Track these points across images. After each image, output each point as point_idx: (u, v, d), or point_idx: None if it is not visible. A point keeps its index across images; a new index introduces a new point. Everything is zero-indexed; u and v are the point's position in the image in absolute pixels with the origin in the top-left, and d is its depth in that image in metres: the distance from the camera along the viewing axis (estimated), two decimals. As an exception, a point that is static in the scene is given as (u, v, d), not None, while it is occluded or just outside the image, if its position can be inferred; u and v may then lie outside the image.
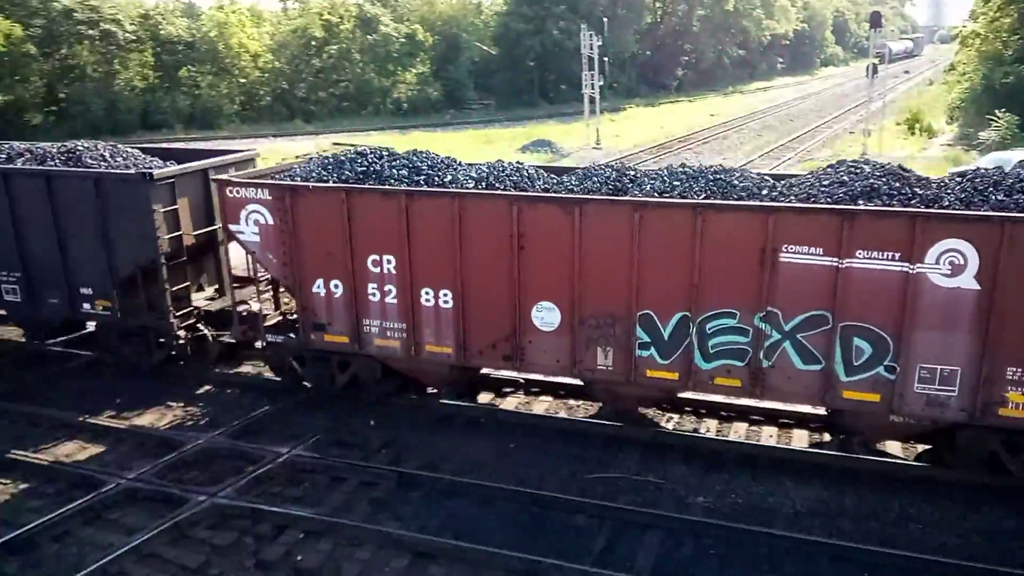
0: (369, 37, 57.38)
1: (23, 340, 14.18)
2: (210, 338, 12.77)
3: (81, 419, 11.20)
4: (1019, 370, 8.55)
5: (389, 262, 10.57)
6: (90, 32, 47.53)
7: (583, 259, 9.68)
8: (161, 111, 49.80)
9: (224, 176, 11.43)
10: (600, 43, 39.80)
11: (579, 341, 10.02)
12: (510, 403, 11.72)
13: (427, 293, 10.56)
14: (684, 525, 8.64)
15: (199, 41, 53.18)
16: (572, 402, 11.63)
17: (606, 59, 42.64)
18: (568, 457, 10.20)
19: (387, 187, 10.53)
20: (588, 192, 10.10)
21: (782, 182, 10.16)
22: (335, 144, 38.73)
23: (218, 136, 45.29)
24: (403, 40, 57.99)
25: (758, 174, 10.56)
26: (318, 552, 8.32)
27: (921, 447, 10.21)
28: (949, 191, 9.11)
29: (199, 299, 12.79)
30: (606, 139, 40.23)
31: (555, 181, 10.72)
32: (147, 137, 42.75)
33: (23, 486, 9.64)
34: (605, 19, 50.26)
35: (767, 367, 9.34)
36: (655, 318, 9.63)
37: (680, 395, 10.78)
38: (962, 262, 8.40)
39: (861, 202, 8.93)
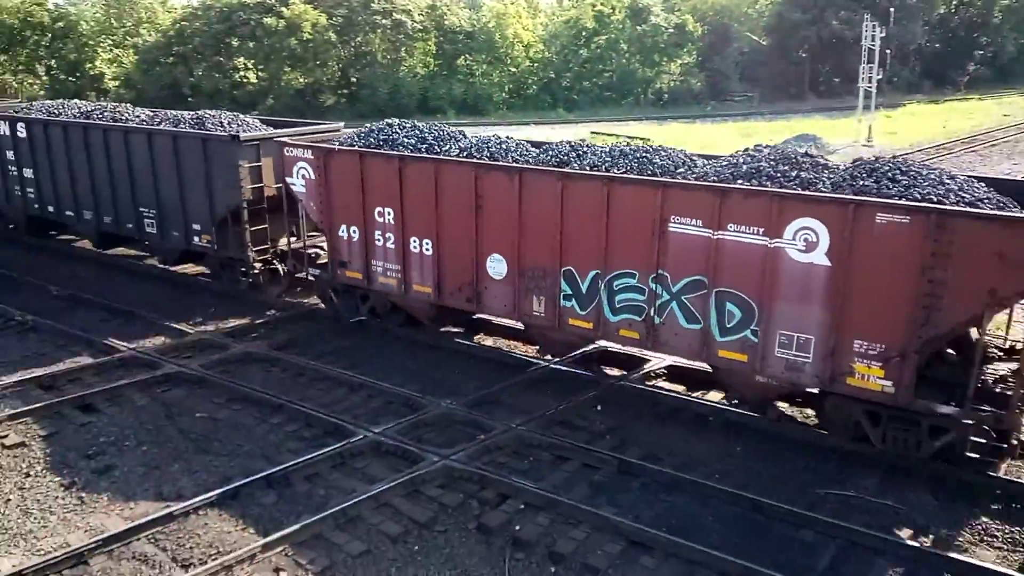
0: (638, 28, 57.41)
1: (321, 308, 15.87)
2: (281, 271, 15.83)
3: (340, 372, 12.34)
4: (865, 343, 9.16)
5: (389, 214, 12.83)
6: (383, 21, 51.74)
7: (522, 220, 11.39)
8: (437, 97, 53.13)
9: (283, 138, 14.23)
10: (883, 34, 36.98)
11: (520, 290, 11.76)
12: (712, 396, 11.32)
13: (415, 241, 12.71)
14: (920, 556, 7.91)
15: (478, 31, 56.06)
16: (805, 411, 11.01)
17: (888, 51, 39.51)
18: (799, 468, 9.70)
19: (388, 152, 12.72)
20: (540, 164, 11.61)
21: (710, 162, 11.13)
22: (592, 133, 39.31)
23: (485, 122, 47.57)
24: (672, 30, 57.38)
25: (690, 154, 11.55)
26: (536, 525, 8.56)
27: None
28: (831, 175, 9.81)
29: (283, 242, 15.42)
30: (879, 136, 37.38)
31: (528, 153, 12.19)
32: (423, 121, 45.73)
33: (287, 428, 10.81)
34: (892, 9, 46.51)
35: (659, 323, 10.61)
36: (575, 274, 11.18)
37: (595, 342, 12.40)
38: (815, 239, 9.23)
39: (740, 181, 9.86)
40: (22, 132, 18.67)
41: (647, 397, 11.49)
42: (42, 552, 8.05)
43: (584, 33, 58.70)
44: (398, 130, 13.43)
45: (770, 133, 38.89)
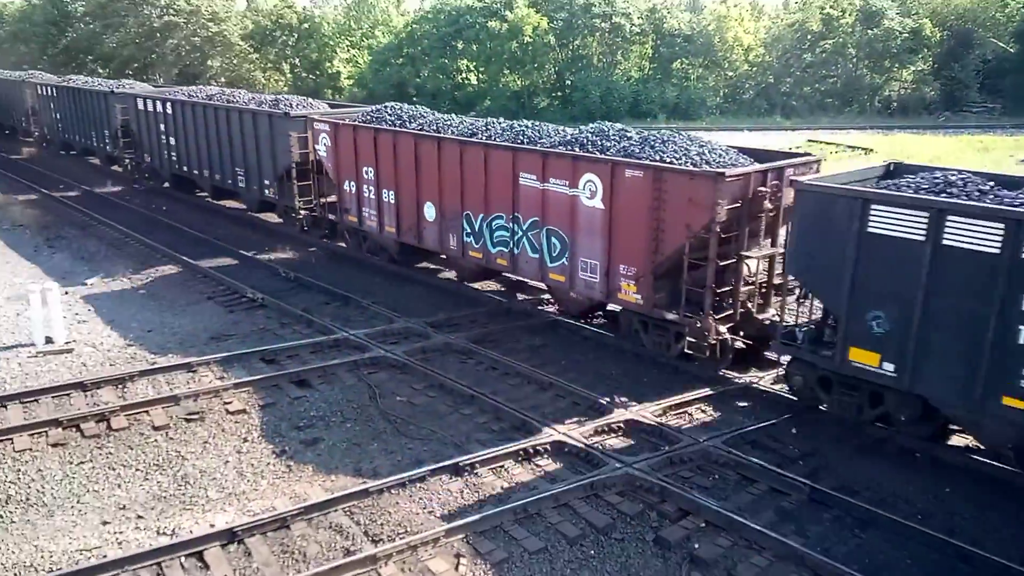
0: (869, 32, 53.94)
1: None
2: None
3: (531, 369, 12.60)
4: (625, 266, 12.76)
5: (370, 172, 17.31)
6: (602, 25, 52.03)
7: (441, 176, 15.60)
8: (649, 101, 52.69)
9: (311, 115, 19.22)
10: None
11: (444, 229, 15.94)
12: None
13: (385, 192, 17.06)
14: None
15: (697, 35, 55.01)
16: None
17: None
18: (1016, 519, 8.77)
19: (369, 125, 17.18)
20: (459, 135, 15.64)
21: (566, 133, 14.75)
22: (809, 141, 37.43)
23: (695, 127, 46.62)
24: (906, 35, 53.35)
25: (558, 128, 15.38)
26: (715, 546, 8.34)
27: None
28: (625, 143, 13.28)
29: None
30: None
31: (459, 128, 16.29)
32: (632, 125, 45.56)
33: (478, 419, 11.20)
34: None
35: (517, 253, 14.57)
36: (471, 217, 15.25)
37: (486, 268, 15.83)
38: (596, 189, 12.86)
39: (562, 147, 13.74)
40: (170, 110, 24.94)
41: (848, 426, 10.82)
42: (251, 513, 8.88)
43: (809, 36, 55.96)
44: (387, 112, 17.78)
45: (1011, 149, 35.29)
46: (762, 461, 9.87)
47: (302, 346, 13.64)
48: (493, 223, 14.78)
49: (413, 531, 8.46)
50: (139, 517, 8.85)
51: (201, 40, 58.99)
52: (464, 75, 55.02)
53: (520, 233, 14.27)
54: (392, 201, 16.88)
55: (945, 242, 8.92)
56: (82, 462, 9.93)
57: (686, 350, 12.11)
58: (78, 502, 9.12)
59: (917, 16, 55.29)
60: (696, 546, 8.34)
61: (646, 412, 11.18)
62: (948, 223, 8.88)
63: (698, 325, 11.77)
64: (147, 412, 11.16)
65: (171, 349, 13.56)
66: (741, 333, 12.59)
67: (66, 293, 16.30)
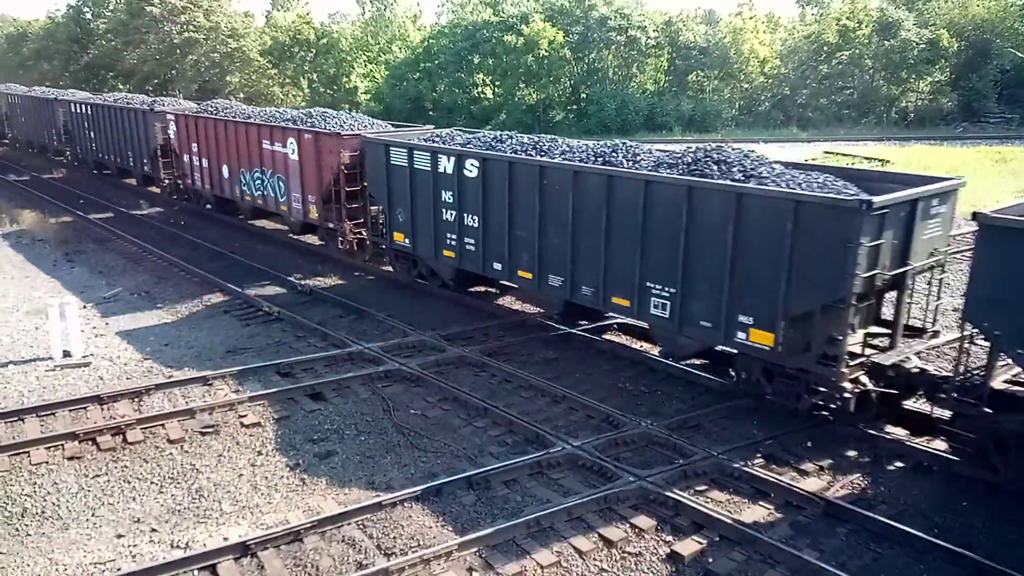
0: (886, 43, 53.72)
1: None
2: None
3: (545, 383, 12.58)
4: (312, 195, 20.11)
5: (195, 147, 25.16)
6: (617, 38, 52.14)
7: (228, 148, 23.29)
8: (664, 113, 52.69)
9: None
10: None
11: (232, 182, 23.57)
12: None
13: (203, 160, 24.81)
14: None
15: (712, 47, 55.00)
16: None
17: None
18: (1038, 536, 8.65)
19: (196, 114, 24.73)
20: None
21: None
22: (825, 153, 37.28)
23: (711, 139, 46.56)
24: (923, 46, 53.08)
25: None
26: (730, 560, 8.27)
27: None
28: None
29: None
30: None
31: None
32: (647, 138, 45.65)
33: (491, 432, 11.19)
34: None
35: (267, 194, 21.73)
36: (244, 172, 22.87)
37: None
38: (294, 148, 20.01)
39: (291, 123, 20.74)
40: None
41: (865, 438, 10.72)
42: (264, 526, 8.90)
43: (826, 48, 55.80)
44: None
45: (1030, 159, 35.02)
46: (776, 474, 9.79)
47: (317, 359, 13.69)
48: (254, 175, 21.96)
49: (426, 545, 8.44)
50: (153, 530, 8.89)
51: (220, 56, 59.66)
52: (480, 89, 55.25)
53: (267, 180, 21.40)
54: (206, 166, 24.30)
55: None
56: (97, 475, 10.00)
57: (340, 247, 19.47)
58: (93, 515, 9.18)
59: (934, 27, 55.01)
60: (711, 560, 8.28)
61: (660, 425, 11.12)
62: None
63: (342, 226, 19.09)
64: (162, 425, 11.23)
65: (187, 363, 13.65)
66: None
67: (84, 307, 16.46)
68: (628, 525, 8.88)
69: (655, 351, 13.76)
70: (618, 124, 51.27)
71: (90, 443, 10.73)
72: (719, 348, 12.13)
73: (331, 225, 19.51)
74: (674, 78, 56.06)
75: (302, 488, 9.76)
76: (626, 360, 13.67)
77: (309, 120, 20.62)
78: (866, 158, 35.53)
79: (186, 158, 25.30)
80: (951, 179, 11.30)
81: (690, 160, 12.24)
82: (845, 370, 10.20)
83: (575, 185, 13.07)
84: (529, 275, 14.34)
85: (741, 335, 11.18)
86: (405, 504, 9.24)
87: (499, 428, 11.27)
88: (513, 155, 14.44)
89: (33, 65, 74.38)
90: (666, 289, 12.06)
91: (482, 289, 17.45)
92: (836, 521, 8.91)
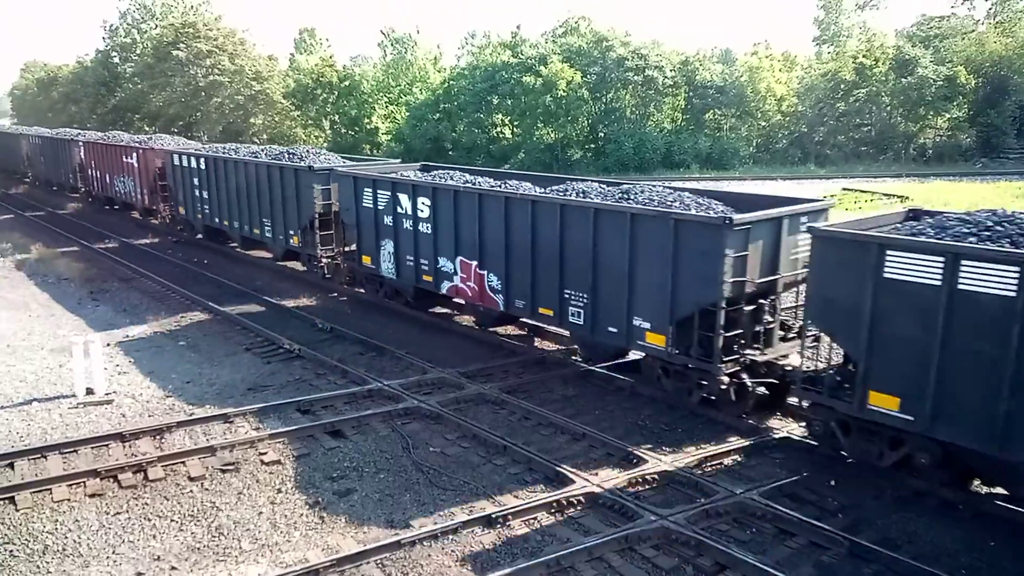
0: (903, 80, 53.86)
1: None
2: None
3: (564, 420, 12.53)
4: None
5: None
6: (635, 78, 52.61)
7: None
8: (682, 152, 52.92)
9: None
10: None
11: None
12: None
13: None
14: None
15: (729, 86, 55.35)
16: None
17: None
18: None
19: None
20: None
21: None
22: (844, 190, 37.25)
23: (729, 177, 46.67)
24: (941, 83, 53.17)
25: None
26: (753, 601, 8.16)
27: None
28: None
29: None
30: None
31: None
32: (665, 176, 45.79)
33: (510, 470, 11.13)
34: None
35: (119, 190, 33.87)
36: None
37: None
38: (135, 158, 31.64)
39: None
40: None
41: (888, 477, 10.57)
42: (283, 564, 8.86)
43: (843, 86, 56.02)
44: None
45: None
46: (800, 514, 9.66)
47: (337, 396, 13.73)
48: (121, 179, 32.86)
49: (445, 584, 8.38)
50: (173, 568, 8.89)
51: (244, 99, 60.75)
52: (499, 129, 55.83)
53: (124, 181, 31.39)
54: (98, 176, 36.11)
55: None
56: (118, 512, 10.03)
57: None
58: (113, 552, 9.19)
59: (951, 64, 55.14)
60: (733, 602, 8.16)
61: (681, 463, 11.03)
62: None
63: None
64: (183, 463, 11.27)
65: (209, 400, 13.73)
66: None
67: (108, 345, 16.63)
68: (650, 565, 8.77)
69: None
70: (636, 162, 51.52)
71: (112, 480, 10.78)
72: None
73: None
74: (691, 116, 56.38)
75: (321, 526, 9.74)
76: (645, 397, 13.60)
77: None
78: (885, 194, 35.43)
79: (90, 172, 37.15)
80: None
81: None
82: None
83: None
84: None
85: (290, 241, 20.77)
86: (424, 543, 9.18)
87: (519, 466, 11.21)
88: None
89: (62, 108, 76.20)
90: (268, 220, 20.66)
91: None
92: (862, 562, 8.76)
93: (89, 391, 13.95)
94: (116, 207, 36.46)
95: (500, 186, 16.41)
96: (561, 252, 14.18)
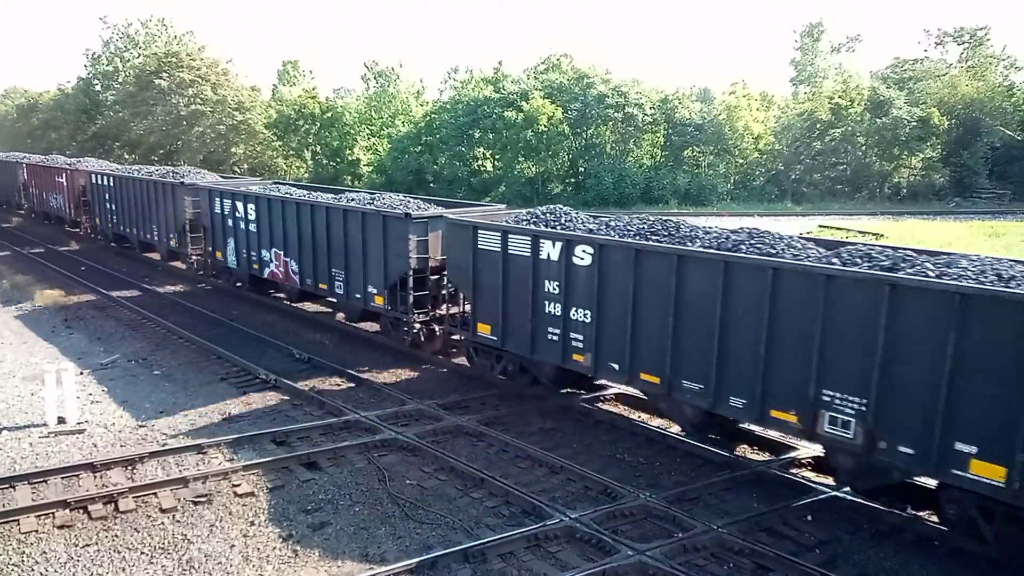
0: (878, 120, 54.91)
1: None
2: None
3: (543, 453, 12.49)
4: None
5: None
6: (615, 115, 53.27)
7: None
8: (661, 187, 53.50)
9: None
10: None
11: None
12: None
13: None
14: None
15: (707, 124, 56.15)
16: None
17: None
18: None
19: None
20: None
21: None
22: (820, 227, 37.75)
23: (706, 212, 47.18)
24: (914, 123, 54.28)
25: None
26: (730, 637, 8.11)
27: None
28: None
29: None
30: None
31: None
32: (645, 210, 46.23)
33: (487, 503, 11.06)
34: None
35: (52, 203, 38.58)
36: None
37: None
38: (63, 181, 36.52)
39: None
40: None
41: (864, 512, 10.61)
42: (257, 596, 8.71)
43: (819, 125, 57.02)
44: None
45: (1022, 234, 35.47)
46: (777, 549, 9.65)
47: (313, 428, 13.61)
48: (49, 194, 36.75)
49: (419, 619, 8.26)
50: (142, 601, 8.71)
51: (226, 128, 60.77)
52: (480, 162, 56.18)
53: (55, 196, 34.86)
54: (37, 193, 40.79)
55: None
56: (88, 544, 9.84)
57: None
58: (81, 585, 9.00)
59: (925, 105, 56.34)
60: (710, 638, 8.10)
61: (659, 497, 11.00)
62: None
63: None
64: (155, 494, 11.09)
65: (183, 430, 13.56)
66: None
67: (81, 373, 16.41)
68: (626, 600, 8.71)
69: (654, 422, 13.68)
70: (615, 197, 51.97)
71: (81, 511, 10.58)
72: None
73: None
74: (670, 153, 57.08)
75: (294, 560, 9.59)
76: (624, 431, 13.59)
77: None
78: (860, 232, 35.94)
79: (31, 190, 41.98)
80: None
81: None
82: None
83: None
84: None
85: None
86: (399, 577, 9.07)
87: (496, 499, 11.13)
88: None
89: (41, 135, 75.84)
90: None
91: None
92: (838, 597, 8.76)
93: (61, 420, 13.73)
94: (51, 220, 40.91)
95: (316, 197, 21.32)
96: (328, 243, 19.38)
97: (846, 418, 10.03)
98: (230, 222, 23.16)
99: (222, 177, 31.23)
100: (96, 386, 15.94)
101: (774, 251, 11.49)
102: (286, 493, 11.28)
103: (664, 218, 14.15)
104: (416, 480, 11.72)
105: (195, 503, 10.91)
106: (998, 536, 9.35)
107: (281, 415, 14.40)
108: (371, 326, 19.89)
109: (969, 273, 9.68)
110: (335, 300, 20.19)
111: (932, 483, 10.08)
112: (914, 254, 10.73)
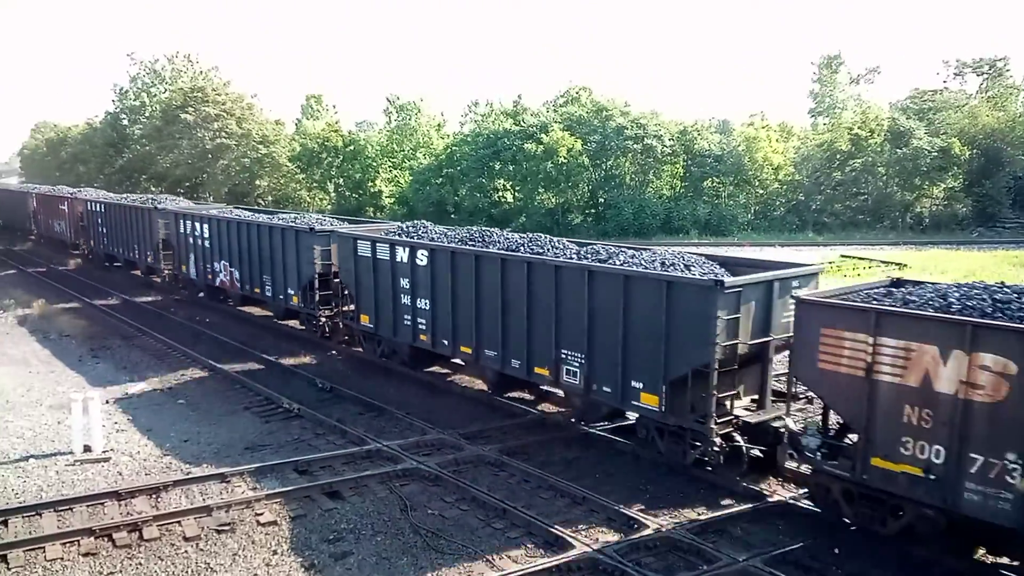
0: (898, 151, 54.74)
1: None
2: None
3: (565, 483, 12.43)
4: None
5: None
6: (634, 146, 53.46)
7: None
8: (680, 218, 53.47)
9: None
10: None
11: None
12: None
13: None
14: None
15: (727, 155, 56.18)
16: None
17: None
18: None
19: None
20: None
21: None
22: (842, 256, 37.56)
23: (727, 243, 47.07)
24: (935, 154, 54.04)
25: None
26: (756, 671, 8.00)
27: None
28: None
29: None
30: None
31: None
32: (664, 241, 46.23)
33: (509, 534, 11.00)
34: None
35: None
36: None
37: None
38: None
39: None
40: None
41: (892, 546, 10.46)
42: (281, 625, 8.71)
43: (839, 156, 56.89)
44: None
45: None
46: (804, 582, 9.53)
47: (335, 457, 13.65)
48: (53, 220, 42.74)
49: (442, 650, 8.22)
50: (166, 630, 8.73)
51: (251, 161, 61.55)
52: (500, 193, 56.50)
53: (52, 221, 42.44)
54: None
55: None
56: (112, 572, 9.90)
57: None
58: (106, 613, 9.04)
59: (945, 136, 56.10)
60: (736, 672, 8.00)
61: (683, 529, 10.91)
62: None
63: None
64: (179, 522, 11.16)
65: (206, 459, 13.64)
66: None
67: (107, 402, 16.58)
68: (650, 632, 8.63)
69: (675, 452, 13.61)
70: (635, 228, 52.01)
71: (106, 539, 10.66)
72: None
73: None
74: (690, 184, 57.09)
75: (317, 589, 9.59)
76: (647, 461, 13.51)
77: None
78: (883, 262, 35.73)
79: (39, 217, 47.77)
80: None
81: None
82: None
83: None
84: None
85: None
86: (422, 607, 9.04)
87: (518, 529, 11.08)
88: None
89: (70, 168, 77.19)
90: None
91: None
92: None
93: (87, 448, 13.87)
94: (55, 243, 45.98)
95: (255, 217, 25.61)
96: (260, 254, 23.66)
97: (574, 369, 14.07)
98: (191, 240, 27.70)
99: (194, 204, 37.13)
100: (122, 415, 16.09)
101: (542, 251, 15.42)
102: (309, 522, 11.30)
103: (485, 230, 17.80)
104: (438, 510, 11.70)
105: (218, 532, 10.96)
106: (667, 449, 12.93)
107: (303, 444, 14.46)
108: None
109: (642, 261, 13.77)
110: (265, 301, 24.61)
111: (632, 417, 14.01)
112: (631, 249, 14.99)
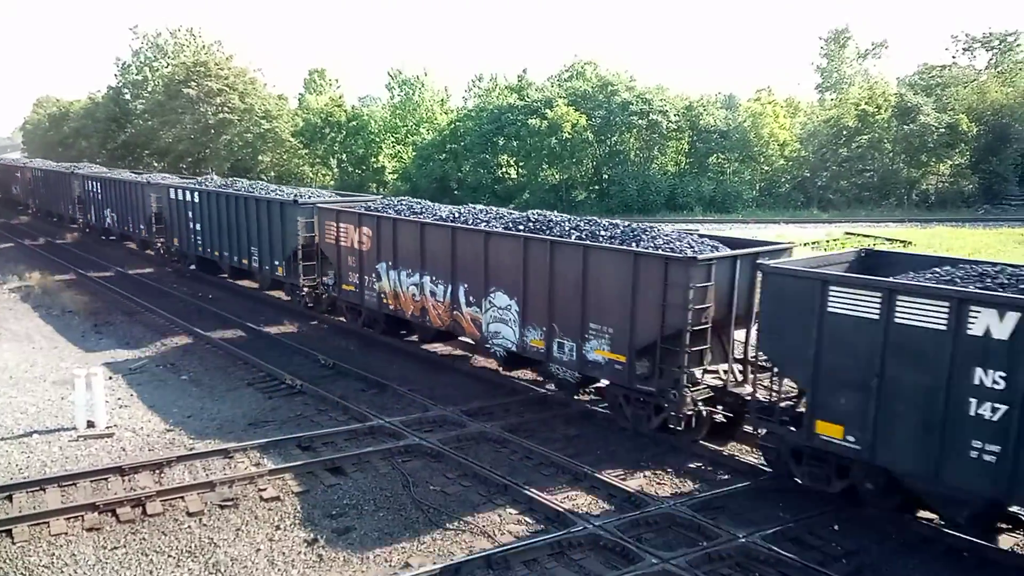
0: (905, 127, 54.31)
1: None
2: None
3: (566, 460, 12.47)
4: None
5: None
6: (639, 122, 53.09)
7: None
8: (686, 194, 53.21)
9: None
10: None
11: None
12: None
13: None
14: None
15: (732, 131, 55.78)
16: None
17: None
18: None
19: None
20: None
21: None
22: (846, 234, 37.39)
23: (732, 220, 46.88)
24: (943, 130, 53.60)
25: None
26: (755, 647, 8.05)
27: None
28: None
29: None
30: None
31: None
32: (668, 218, 46.04)
33: (511, 510, 11.05)
34: None
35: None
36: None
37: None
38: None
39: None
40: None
41: (894, 522, 10.48)
42: (283, 600, 8.77)
43: (845, 132, 56.48)
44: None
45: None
46: (803, 559, 9.56)
47: (338, 433, 13.69)
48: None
49: (443, 625, 8.28)
50: (169, 604, 8.80)
51: (253, 136, 61.32)
52: (504, 169, 56.26)
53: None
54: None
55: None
56: (116, 547, 9.96)
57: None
58: (110, 587, 9.11)
59: (953, 112, 55.62)
60: (735, 647, 8.05)
61: (683, 505, 10.94)
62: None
63: None
64: (182, 498, 11.21)
65: (210, 435, 13.69)
66: None
67: (110, 378, 16.63)
68: (650, 608, 8.68)
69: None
70: (639, 204, 51.80)
71: (110, 515, 10.72)
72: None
73: None
74: (695, 160, 56.76)
75: (319, 565, 9.65)
76: (647, 439, 13.54)
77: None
78: (887, 239, 35.58)
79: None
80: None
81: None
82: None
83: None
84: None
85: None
86: (423, 582, 9.09)
87: (519, 506, 11.13)
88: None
89: (72, 143, 76.97)
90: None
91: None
92: (865, 608, 8.67)
93: (90, 424, 13.92)
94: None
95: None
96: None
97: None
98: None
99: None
100: (125, 390, 16.14)
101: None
102: (311, 498, 11.36)
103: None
104: (440, 486, 11.75)
105: (221, 507, 11.02)
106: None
107: (306, 420, 14.50)
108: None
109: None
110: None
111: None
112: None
